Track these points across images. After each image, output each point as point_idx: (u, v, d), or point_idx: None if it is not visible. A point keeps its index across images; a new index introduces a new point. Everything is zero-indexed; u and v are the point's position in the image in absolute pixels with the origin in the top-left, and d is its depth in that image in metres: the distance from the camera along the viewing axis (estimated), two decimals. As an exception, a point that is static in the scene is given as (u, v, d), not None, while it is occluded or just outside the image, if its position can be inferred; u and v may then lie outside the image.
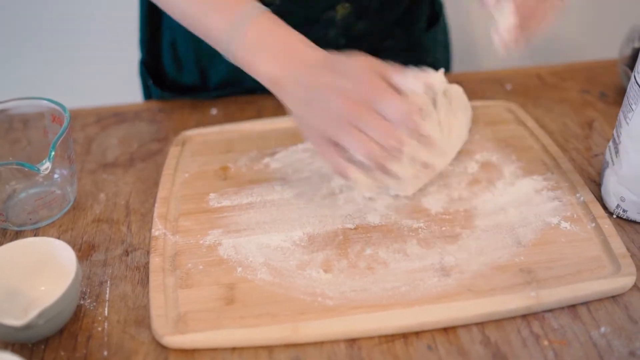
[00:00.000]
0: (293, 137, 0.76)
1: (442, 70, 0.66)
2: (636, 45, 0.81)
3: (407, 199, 0.66)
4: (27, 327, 0.50)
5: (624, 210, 0.63)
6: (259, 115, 0.84)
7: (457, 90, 0.71)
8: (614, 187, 0.63)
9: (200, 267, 0.60)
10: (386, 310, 0.54)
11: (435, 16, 0.96)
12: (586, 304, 0.55)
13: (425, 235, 0.62)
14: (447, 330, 0.54)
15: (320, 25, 0.82)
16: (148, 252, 0.62)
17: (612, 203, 0.64)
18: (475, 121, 0.76)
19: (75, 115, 0.85)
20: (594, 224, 0.62)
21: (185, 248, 0.62)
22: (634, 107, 0.58)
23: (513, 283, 0.56)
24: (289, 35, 0.62)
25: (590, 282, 0.55)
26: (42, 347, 0.54)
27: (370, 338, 0.53)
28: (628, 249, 0.59)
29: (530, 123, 0.77)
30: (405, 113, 0.54)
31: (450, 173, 0.69)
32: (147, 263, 0.61)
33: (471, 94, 0.75)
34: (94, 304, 0.58)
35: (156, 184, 0.71)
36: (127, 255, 0.63)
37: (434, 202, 0.66)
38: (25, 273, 0.57)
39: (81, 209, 0.69)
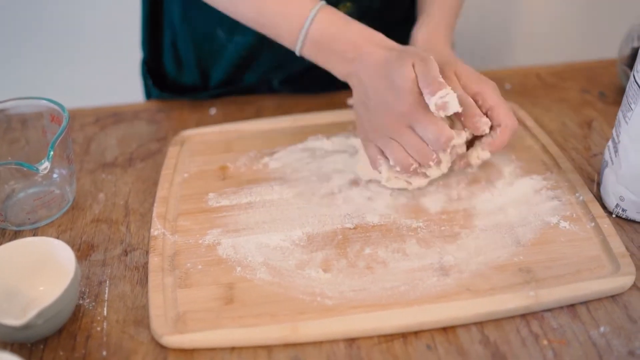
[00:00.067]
0: (292, 137, 0.76)
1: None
2: (635, 44, 0.81)
3: (407, 199, 0.66)
4: (26, 327, 0.50)
5: (623, 210, 0.63)
6: (258, 115, 0.84)
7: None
8: (613, 186, 0.63)
9: (199, 266, 0.60)
10: (385, 310, 0.54)
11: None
12: (585, 303, 0.55)
13: (424, 235, 0.62)
14: (447, 329, 0.54)
15: None
16: (147, 252, 0.62)
17: (611, 202, 0.64)
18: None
19: (74, 115, 0.85)
20: (593, 224, 0.62)
21: (184, 248, 0.62)
22: (633, 106, 0.58)
23: (512, 282, 0.56)
24: (350, 30, 0.65)
25: (589, 282, 0.55)
26: (41, 347, 0.54)
27: (370, 338, 0.53)
28: (627, 249, 0.59)
29: (530, 123, 0.77)
30: (439, 141, 0.59)
31: (450, 173, 0.69)
32: (146, 263, 0.61)
33: (470, 94, 0.74)
34: (93, 303, 0.58)
35: (155, 183, 0.71)
36: (126, 255, 0.63)
37: (433, 202, 0.66)
38: (24, 273, 0.57)
39: (80, 208, 0.69)
